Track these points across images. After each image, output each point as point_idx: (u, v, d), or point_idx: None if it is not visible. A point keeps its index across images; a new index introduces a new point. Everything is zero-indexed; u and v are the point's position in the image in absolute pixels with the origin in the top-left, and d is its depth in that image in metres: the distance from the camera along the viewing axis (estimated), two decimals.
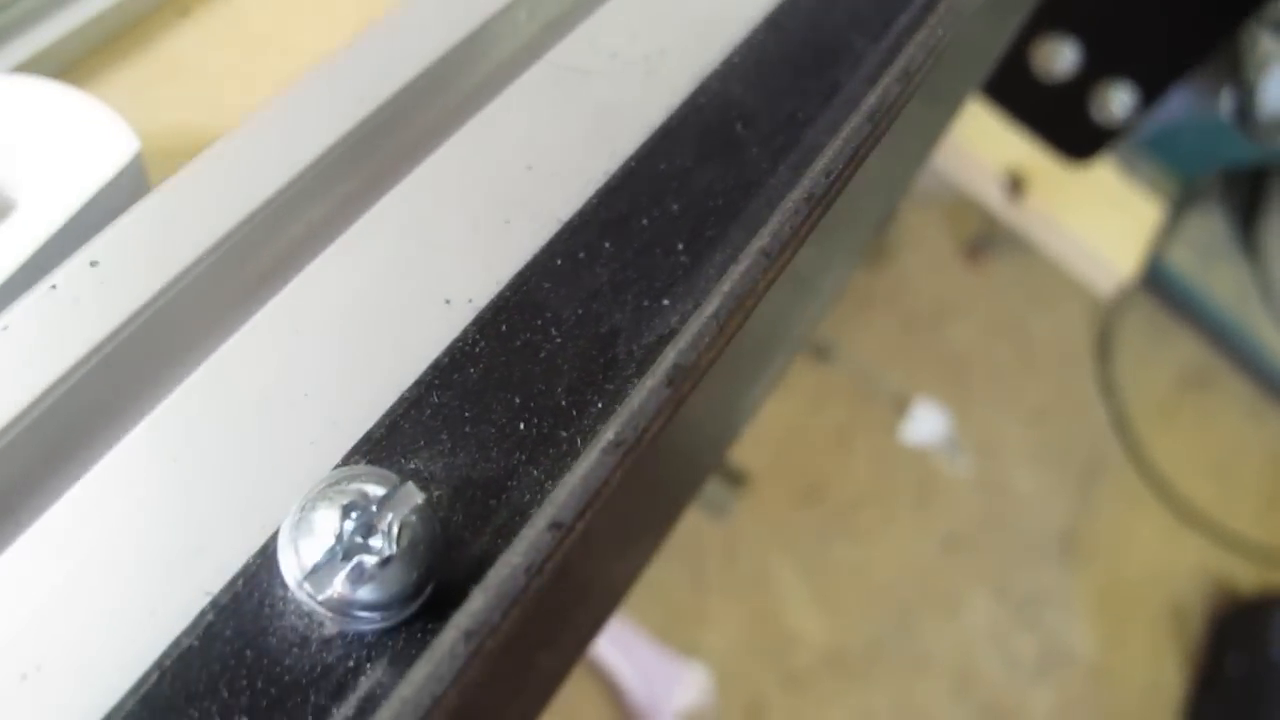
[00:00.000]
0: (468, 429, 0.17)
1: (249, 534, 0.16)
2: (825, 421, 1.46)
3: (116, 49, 0.27)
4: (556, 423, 0.18)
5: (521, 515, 0.16)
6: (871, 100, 0.22)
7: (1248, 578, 1.53)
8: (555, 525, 0.16)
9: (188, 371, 0.18)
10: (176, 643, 0.15)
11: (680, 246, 0.21)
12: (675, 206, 0.22)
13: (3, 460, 0.16)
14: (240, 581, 0.15)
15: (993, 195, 0.99)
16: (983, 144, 0.97)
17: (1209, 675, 1.44)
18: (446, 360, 0.18)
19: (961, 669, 1.36)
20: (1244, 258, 1.75)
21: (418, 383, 0.18)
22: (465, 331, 0.19)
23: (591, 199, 0.22)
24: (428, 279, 0.21)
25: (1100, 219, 1.00)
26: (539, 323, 0.20)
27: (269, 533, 0.16)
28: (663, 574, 1.28)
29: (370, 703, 0.14)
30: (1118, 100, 0.51)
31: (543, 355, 0.19)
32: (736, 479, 1.01)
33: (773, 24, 0.26)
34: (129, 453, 0.16)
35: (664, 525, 0.33)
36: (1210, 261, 1.73)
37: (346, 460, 0.17)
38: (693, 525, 1.29)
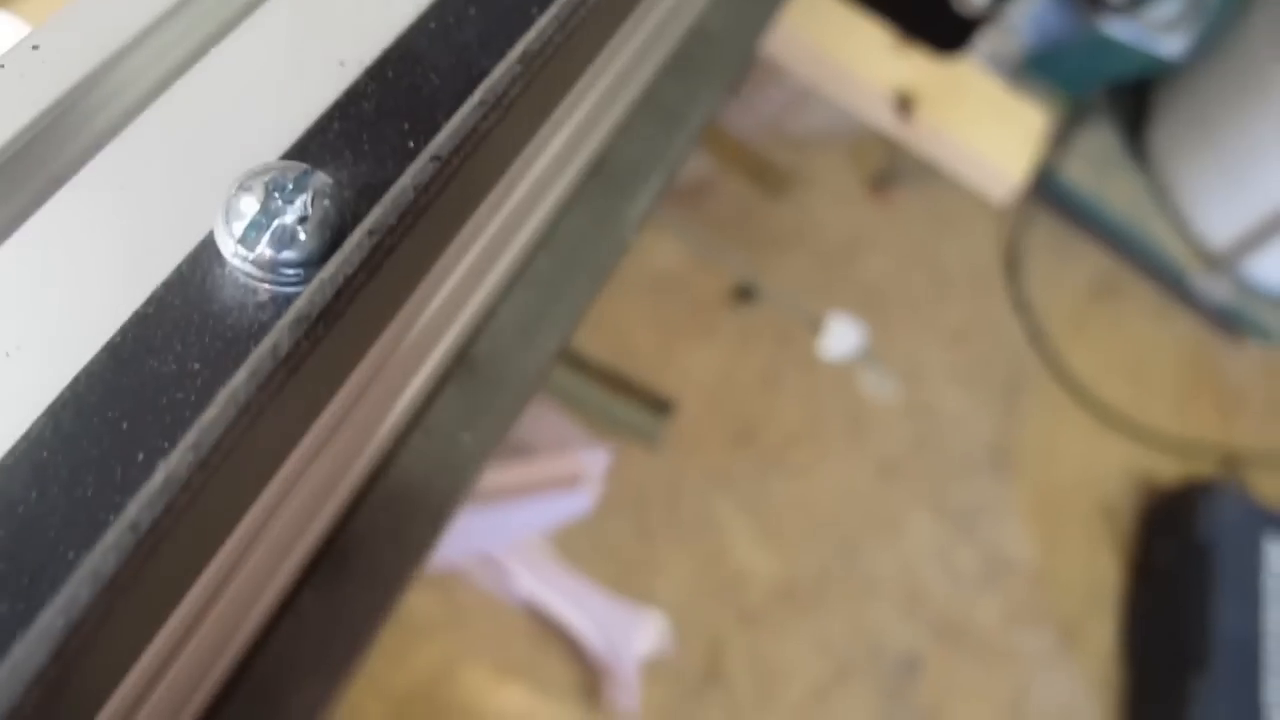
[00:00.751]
0: (365, 147, 0.20)
1: (190, 230, 0.18)
2: (751, 362, 1.48)
3: None
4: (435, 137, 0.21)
5: None
6: None
7: (1170, 471, 1.58)
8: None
9: (136, 116, 0.20)
10: (135, 314, 0.17)
11: (534, 9, 0.23)
12: None
13: None
14: (185, 263, 0.18)
15: (884, 117, 1.02)
16: (869, 68, 1.00)
17: (1142, 565, 1.50)
18: (344, 99, 0.21)
19: (909, 588, 1.40)
20: (1136, 167, 1.81)
21: (323, 115, 0.21)
22: (358, 79, 0.22)
23: None
24: (325, 45, 0.23)
25: (989, 130, 1.03)
26: (419, 69, 0.22)
27: (208, 229, 0.18)
28: (607, 526, 1.29)
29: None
30: None
31: (424, 92, 0.22)
32: (662, 407, 1.03)
33: None
34: (91, 179, 0.18)
35: (561, 330, 0.36)
36: (1105, 173, 1.78)
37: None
38: (632, 475, 1.31)
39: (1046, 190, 1.75)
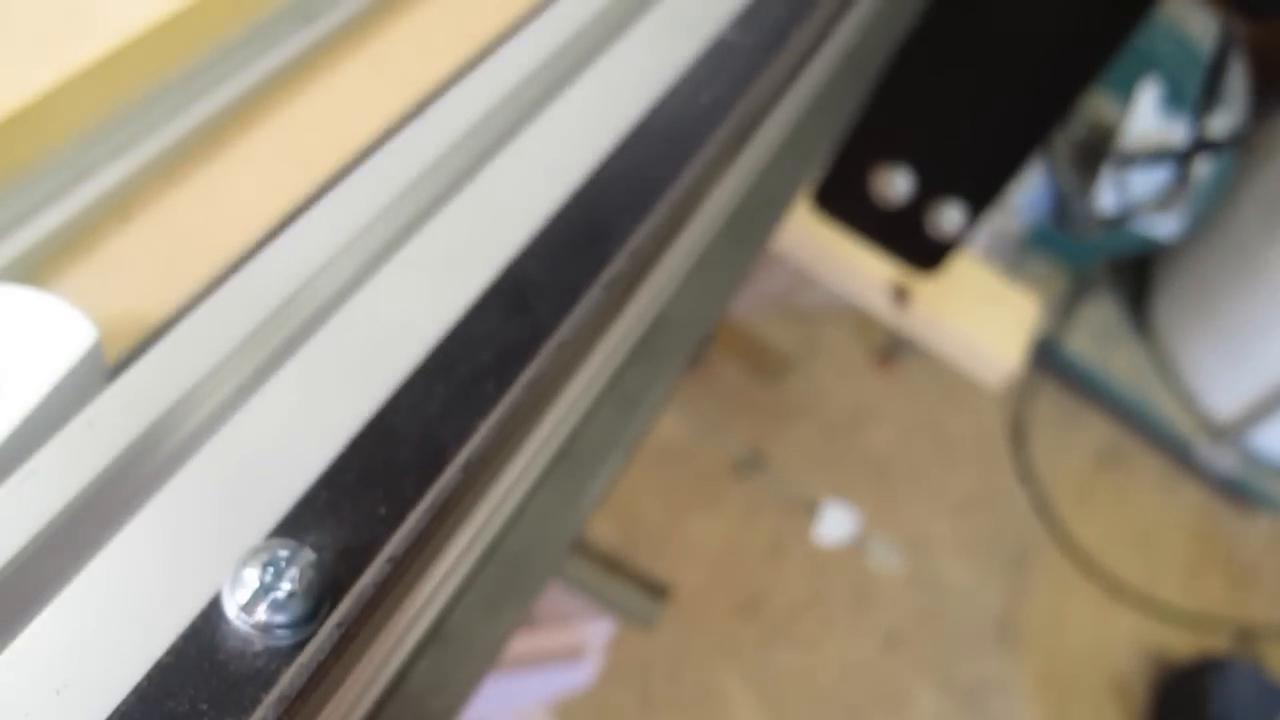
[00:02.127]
0: (345, 514, 0.24)
1: (201, 594, 0.23)
2: (756, 534, 1.50)
3: (69, 254, 0.32)
4: (402, 509, 0.25)
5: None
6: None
7: (1182, 644, 1.57)
8: (390, 559, 0.24)
9: (157, 491, 0.24)
10: (158, 663, 0.21)
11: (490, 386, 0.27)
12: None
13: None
14: (198, 619, 0.22)
15: (881, 305, 1.06)
16: (865, 260, 1.04)
17: None
18: (330, 471, 0.25)
19: None
20: (1139, 338, 1.84)
21: (311, 488, 0.25)
22: (343, 452, 0.25)
23: None
24: (318, 418, 0.27)
25: (983, 317, 1.07)
26: (393, 442, 0.26)
27: (215, 591, 0.23)
28: (609, 696, 1.30)
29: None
30: (949, 217, 0.58)
31: (395, 463, 0.26)
32: (658, 591, 1.05)
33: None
34: (125, 548, 0.23)
35: (526, 600, 0.39)
36: (1108, 345, 1.82)
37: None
38: (636, 645, 1.32)
39: (1051, 361, 1.78)
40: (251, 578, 0.24)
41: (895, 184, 0.59)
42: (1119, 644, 1.57)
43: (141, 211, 0.34)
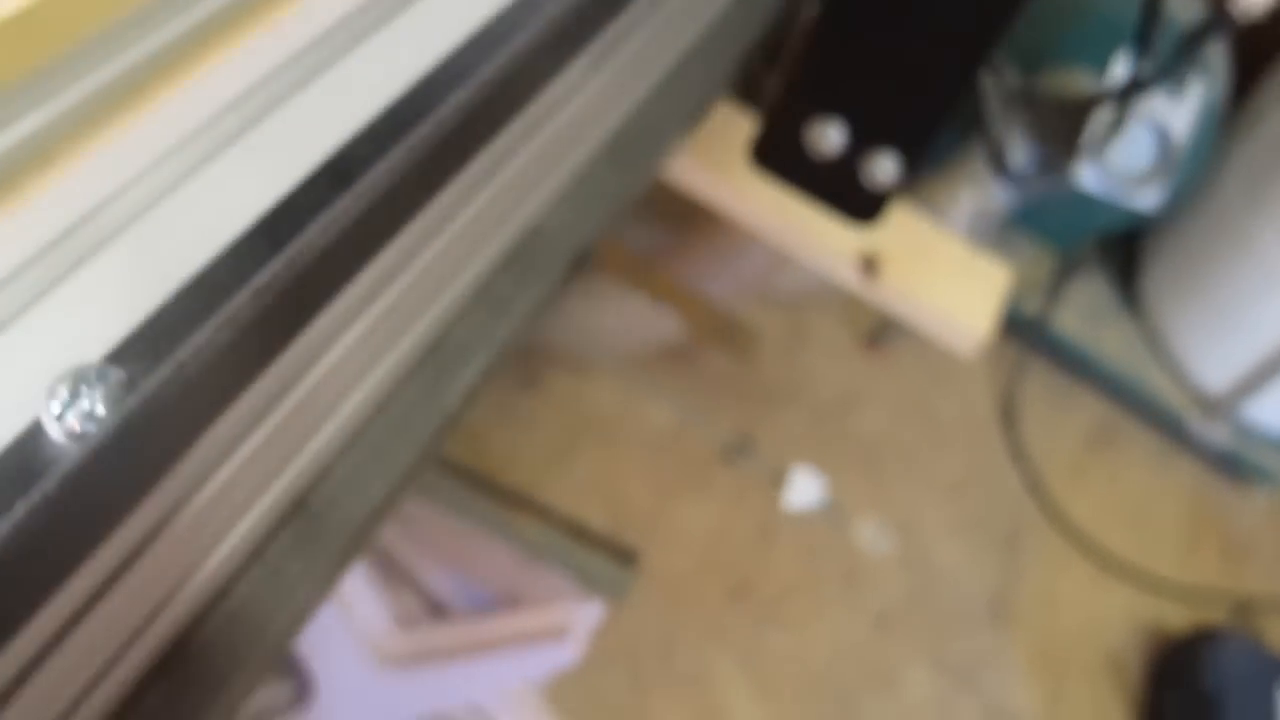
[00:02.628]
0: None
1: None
2: (745, 518, 1.51)
3: None
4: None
5: None
6: None
7: (1177, 619, 1.57)
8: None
9: None
10: None
11: None
12: None
13: None
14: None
15: (850, 277, 1.07)
16: (833, 232, 1.05)
17: (1151, 718, 1.48)
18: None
19: None
20: (1129, 316, 1.84)
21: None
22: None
23: None
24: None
25: (953, 287, 1.08)
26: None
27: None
28: (600, 679, 1.30)
29: None
30: (882, 168, 0.59)
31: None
32: (627, 558, 1.06)
33: None
34: None
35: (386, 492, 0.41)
36: (1098, 323, 1.82)
37: None
38: (626, 628, 1.33)
39: (1040, 341, 1.78)
40: (62, 393, 0.25)
41: (828, 137, 0.60)
42: (1113, 620, 1.57)
43: None
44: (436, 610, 1.22)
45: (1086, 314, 1.82)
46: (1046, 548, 1.61)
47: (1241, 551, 1.71)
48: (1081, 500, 1.67)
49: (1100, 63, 1.48)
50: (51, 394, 0.25)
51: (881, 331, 1.72)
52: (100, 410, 0.24)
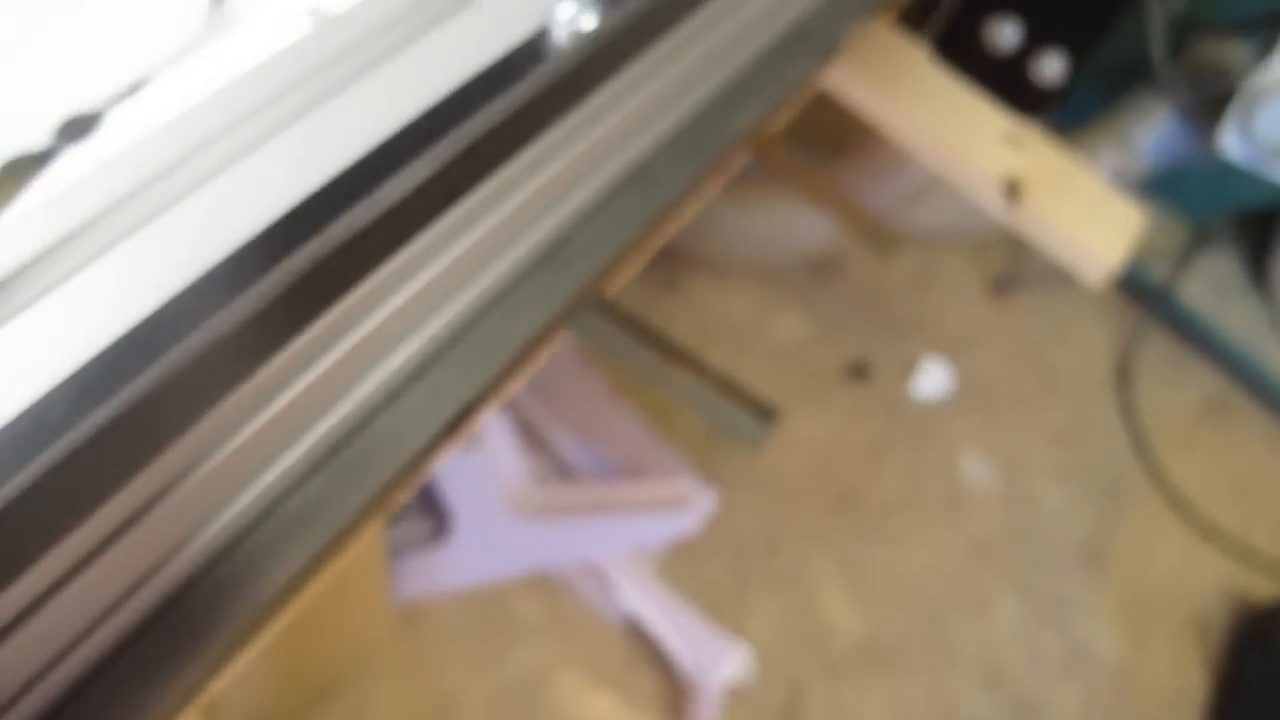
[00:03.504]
0: None
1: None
2: (859, 434, 1.57)
3: None
4: None
5: None
6: None
7: (1267, 592, 1.60)
8: None
9: None
10: None
11: None
12: None
13: None
14: None
15: (994, 201, 1.12)
16: (983, 156, 1.11)
17: (1230, 681, 1.52)
18: None
19: (990, 664, 1.45)
20: (1257, 295, 1.86)
21: None
22: None
23: None
24: None
25: (1090, 218, 1.12)
26: None
27: None
28: (706, 564, 1.39)
29: None
30: (1050, 66, 0.64)
31: None
32: (766, 413, 1.13)
33: None
34: None
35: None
36: (1224, 298, 1.84)
37: None
38: (736, 522, 1.41)
39: (1163, 308, 1.81)
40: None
41: (1004, 34, 0.65)
42: (1204, 583, 1.61)
43: None
44: (565, 473, 1.31)
45: (1213, 287, 1.84)
46: (1146, 506, 1.65)
47: None
48: (1186, 467, 1.70)
49: (1263, 37, 1.50)
50: None
51: (1009, 279, 1.77)
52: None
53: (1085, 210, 1.13)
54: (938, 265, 1.77)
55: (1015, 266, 1.78)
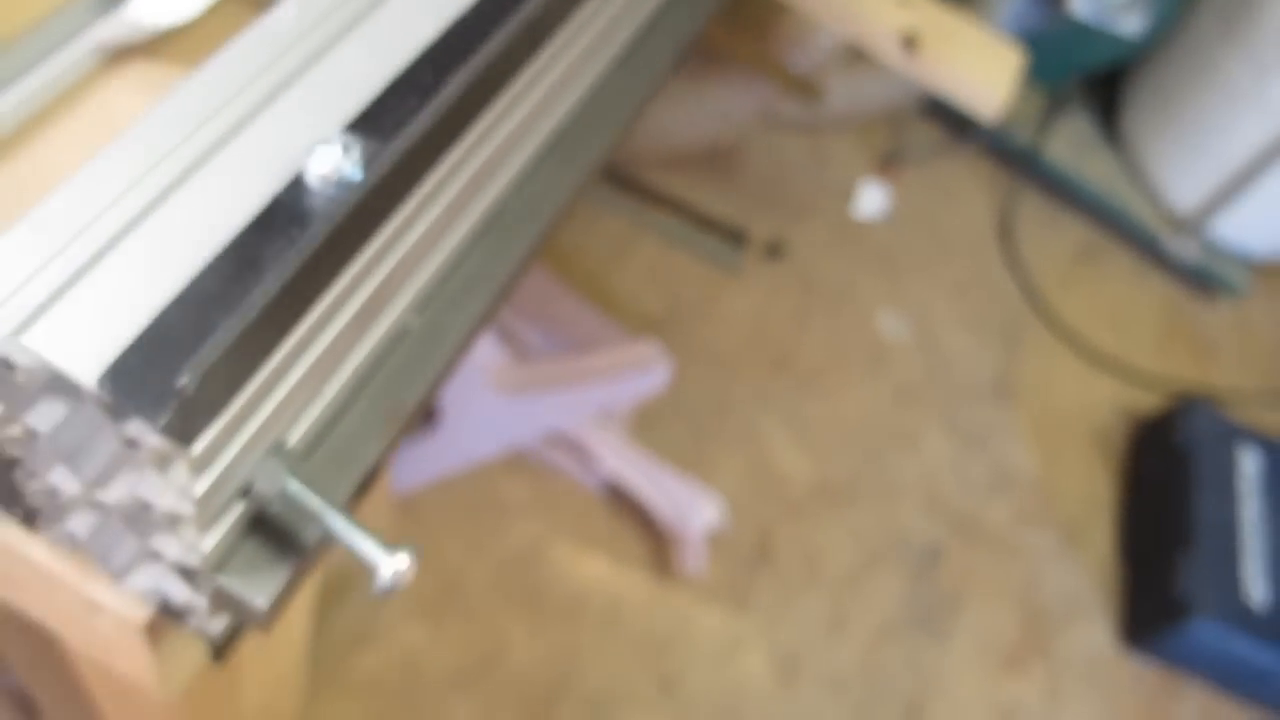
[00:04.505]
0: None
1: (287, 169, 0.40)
2: (783, 306, 1.71)
3: None
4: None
5: None
6: None
7: (1151, 403, 1.80)
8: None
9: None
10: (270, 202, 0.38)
11: None
12: None
13: None
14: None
15: (893, 53, 1.26)
16: (878, 17, 1.24)
17: (1132, 480, 1.70)
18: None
19: (928, 491, 1.61)
20: (1110, 147, 2.05)
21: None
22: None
23: None
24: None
25: (978, 62, 1.27)
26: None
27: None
28: (665, 433, 1.51)
29: None
30: None
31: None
32: (737, 237, 1.25)
33: None
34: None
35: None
36: (1083, 154, 2.03)
37: None
38: (687, 391, 1.53)
39: (1032, 169, 1.99)
40: (331, 155, 0.38)
41: None
42: (1099, 402, 1.79)
43: None
44: (533, 357, 1.41)
45: (1073, 145, 2.03)
46: (1041, 342, 1.83)
47: (1208, 352, 1.94)
48: (1070, 305, 1.89)
49: None
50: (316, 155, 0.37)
51: (894, 154, 1.92)
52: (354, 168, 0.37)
53: (973, 55, 1.28)
54: (828, 149, 1.92)
55: (898, 143, 1.93)
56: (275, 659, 0.87)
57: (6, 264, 0.34)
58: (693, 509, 1.38)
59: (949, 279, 1.85)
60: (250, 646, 0.63)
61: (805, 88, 1.65)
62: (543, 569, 1.38)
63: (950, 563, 1.56)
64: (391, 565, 0.37)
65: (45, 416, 0.35)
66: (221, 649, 0.45)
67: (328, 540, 0.40)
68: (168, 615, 0.45)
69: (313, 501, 0.38)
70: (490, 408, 1.31)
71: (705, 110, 1.58)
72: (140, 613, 0.45)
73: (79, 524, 0.42)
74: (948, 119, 1.99)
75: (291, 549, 0.41)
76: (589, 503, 1.43)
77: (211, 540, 0.38)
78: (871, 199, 1.68)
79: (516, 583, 1.37)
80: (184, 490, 0.35)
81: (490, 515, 1.40)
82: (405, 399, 0.46)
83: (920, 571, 1.54)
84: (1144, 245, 2.00)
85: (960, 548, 1.57)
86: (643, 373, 1.33)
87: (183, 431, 0.33)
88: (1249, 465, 1.62)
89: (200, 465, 0.35)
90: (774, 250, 1.74)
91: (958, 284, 1.85)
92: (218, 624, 0.43)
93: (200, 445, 0.34)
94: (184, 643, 0.53)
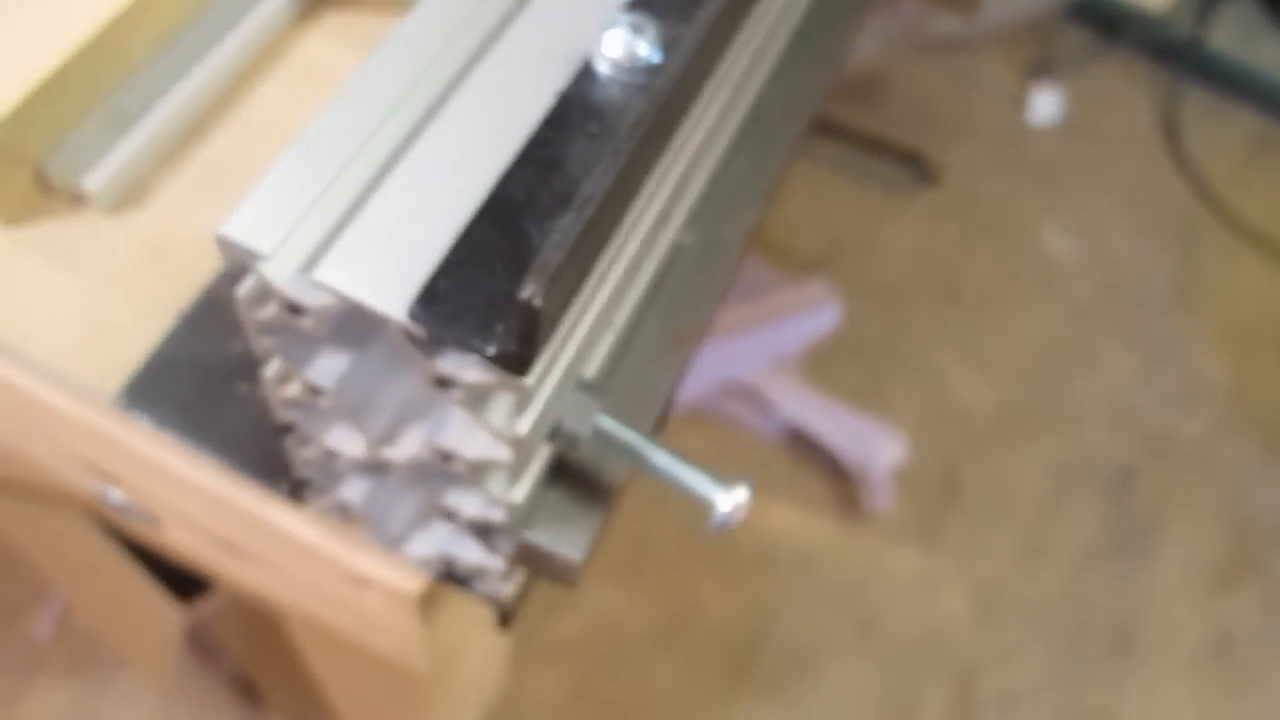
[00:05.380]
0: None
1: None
2: (945, 234, 1.65)
3: None
4: None
5: None
6: None
7: None
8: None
9: None
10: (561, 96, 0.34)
11: None
12: None
13: None
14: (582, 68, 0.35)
15: None
16: None
17: None
18: None
19: (1116, 410, 1.54)
20: (1278, 31, 1.93)
21: None
22: None
23: None
24: None
25: None
26: None
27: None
28: (838, 372, 1.47)
29: None
30: None
31: None
32: (913, 159, 1.20)
33: None
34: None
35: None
36: (1249, 41, 1.91)
37: None
38: (855, 329, 1.49)
39: (1195, 63, 1.88)
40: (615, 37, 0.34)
41: None
42: None
43: None
44: None
45: (1238, 32, 1.91)
46: (1220, 244, 1.74)
47: None
48: (1249, 202, 1.78)
49: None
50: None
51: (1042, 65, 1.83)
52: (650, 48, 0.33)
53: None
54: (974, 67, 1.84)
55: (1048, 52, 1.85)
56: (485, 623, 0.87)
57: (280, 196, 0.31)
58: (877, 446, 1.35)
59: (1116, 188, 1.77)
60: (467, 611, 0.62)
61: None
62: None
63: (1147, 482, 1.49)
64: (730, 500, 0.35)
65: (329, 368, 0.33)
66: (509, 613, 0.44)
67: (641, 478, 0.37)
68: (449, 581, 0.44)
69: (629, 437, 0.35)
70: None
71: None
72: (415, 583, 0.44)
73: (354, 490, 0.41)
74: (1097, 21, 1.89)
75: (599, 494, 0.39)
76: (770, 451, 1.41)
77: (521, 491, 0.36)
78: (1045, 103, 1.61)
79: (704, 539, 1.36)
80: (502, 432, 0.32)
81: None
82: (692, 319, 0.43)
83: (1116, 494, 1.48)
84: None
85: (1155, 466, 1.51)
86: (814, 312, 1.30)
87: (511, 361, 0.29)
88: None
89: (523, 402, 0.32)
90: (928, 177, 1.69)
91: (1126, 192, 1.76)
92: (510, 587, 0.42)
93: (532, 376, 0.31)
94: (455, 612, 0.52)
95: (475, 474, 0.35)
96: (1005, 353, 1.56)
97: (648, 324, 0.42)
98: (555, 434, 0.36)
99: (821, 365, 1.46)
